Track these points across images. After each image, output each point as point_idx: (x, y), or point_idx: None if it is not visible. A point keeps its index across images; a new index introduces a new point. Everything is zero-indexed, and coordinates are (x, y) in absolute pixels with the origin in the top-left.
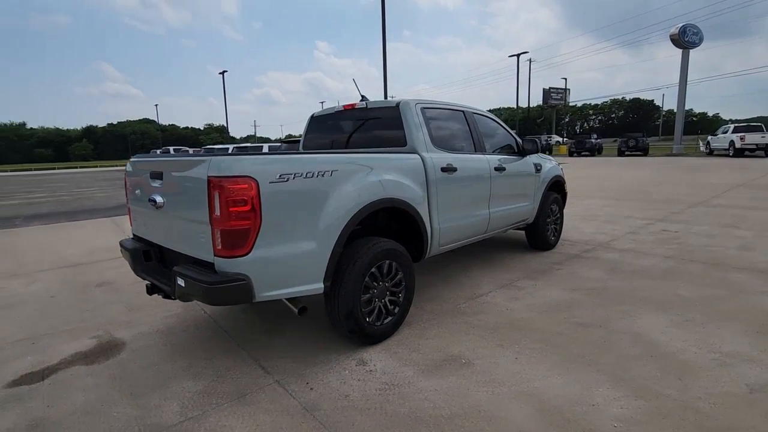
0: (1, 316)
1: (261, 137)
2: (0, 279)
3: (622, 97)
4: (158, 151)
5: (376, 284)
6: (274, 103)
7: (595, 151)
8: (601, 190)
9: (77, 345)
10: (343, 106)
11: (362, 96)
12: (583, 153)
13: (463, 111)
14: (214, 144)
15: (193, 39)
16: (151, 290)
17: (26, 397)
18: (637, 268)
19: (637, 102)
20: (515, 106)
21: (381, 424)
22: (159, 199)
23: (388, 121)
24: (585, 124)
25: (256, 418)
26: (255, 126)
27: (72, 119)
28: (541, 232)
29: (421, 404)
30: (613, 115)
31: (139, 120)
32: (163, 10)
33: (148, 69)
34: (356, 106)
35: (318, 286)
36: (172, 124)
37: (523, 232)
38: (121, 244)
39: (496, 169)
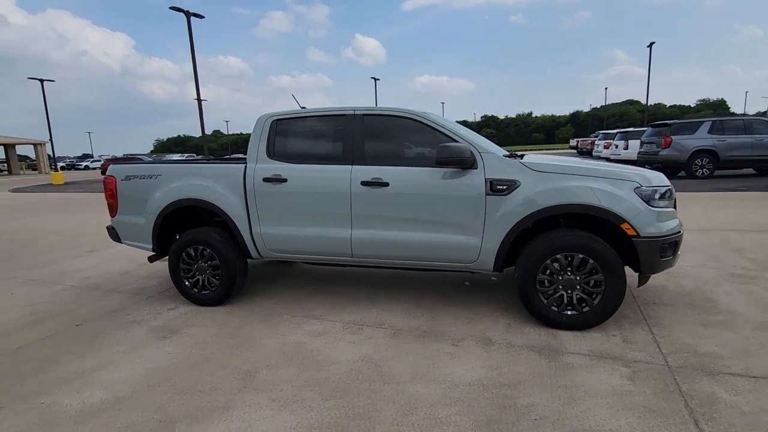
0: None
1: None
2: None
3: None
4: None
5: (192, 261)
6: None
7: None
8: None
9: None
10: None
11: (301, 107)
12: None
13: (344, 115)
14: None
15: None
16: None
17: (92, 287)
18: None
19: None
20: None
21: (87, 333)
22: None
23: None
24: None
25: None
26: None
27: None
28: (523, 294)
29: (119, 339)
30: None
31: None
32: None
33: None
34: None
35: (150, 246)
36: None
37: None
38: None
39: (365, 183)
